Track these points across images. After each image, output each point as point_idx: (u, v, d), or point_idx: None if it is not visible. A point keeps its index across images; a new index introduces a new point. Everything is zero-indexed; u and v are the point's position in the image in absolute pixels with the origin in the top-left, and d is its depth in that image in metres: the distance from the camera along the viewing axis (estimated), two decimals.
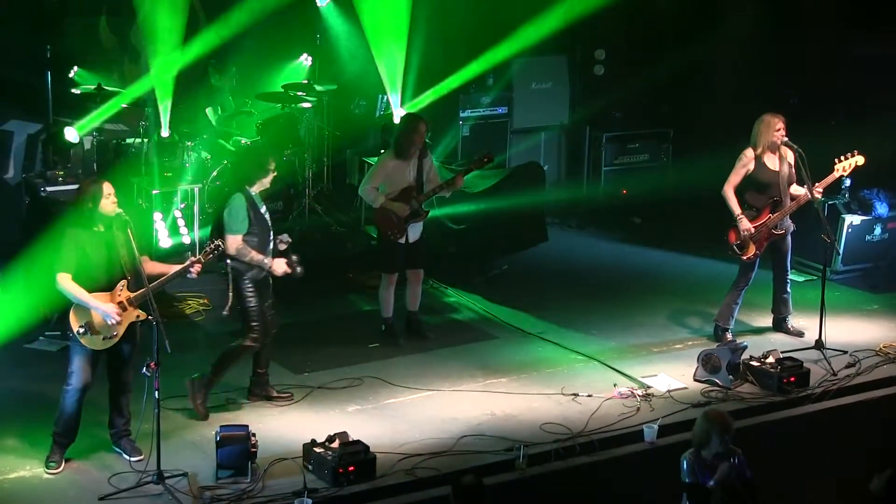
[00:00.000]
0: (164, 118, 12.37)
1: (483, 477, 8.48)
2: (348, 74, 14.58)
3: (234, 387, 9.74)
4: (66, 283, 8.21)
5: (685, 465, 7.89)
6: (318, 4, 14.15)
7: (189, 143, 12.51)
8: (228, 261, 9.21)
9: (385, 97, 14.16)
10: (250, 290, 9.26)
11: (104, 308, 8.25)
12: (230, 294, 9.27)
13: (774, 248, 10.86)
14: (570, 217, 14.62)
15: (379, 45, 13.58)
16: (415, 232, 10.56)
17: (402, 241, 10.51)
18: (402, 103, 13.70)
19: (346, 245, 13.08)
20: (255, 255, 9.18)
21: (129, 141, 12.77)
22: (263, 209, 9.31)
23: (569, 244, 13.88)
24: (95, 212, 8.27)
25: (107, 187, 8.33)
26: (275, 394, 9.63)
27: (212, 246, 8.72)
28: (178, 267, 8.63)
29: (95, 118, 12.21)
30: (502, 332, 11.23)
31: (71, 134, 12.10)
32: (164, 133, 12.41)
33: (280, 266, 9.30)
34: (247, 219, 9.14)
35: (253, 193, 9.22)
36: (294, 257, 9.42)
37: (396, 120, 13.37)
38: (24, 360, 10.21)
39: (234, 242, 9.12)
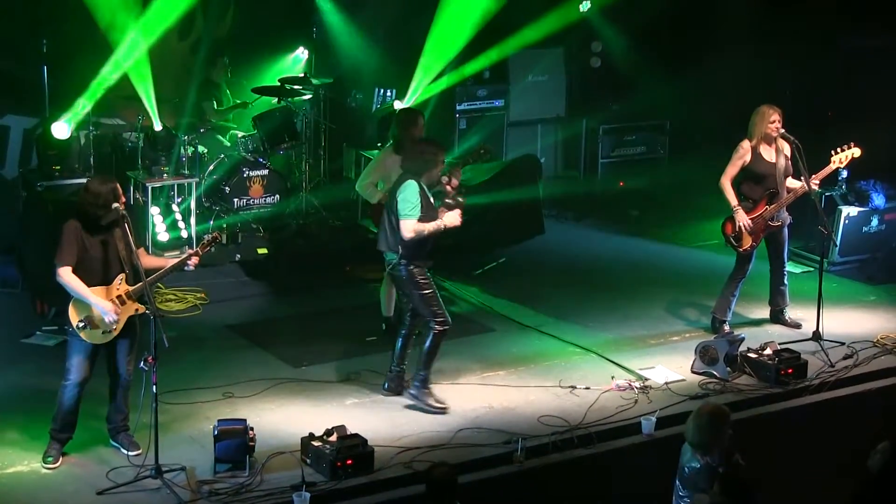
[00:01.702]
0: (153, 111, 12.32)
1: (481, 470, 8.56)
2: (345, 67, 14.59)
3: (232, 380, 9.75)
4: (67, 277, 8.19)
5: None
6: None
7: (186, 137, 12.49)
8: (398, 255, 9.15)
9: (382, 90, 14.15)
10: (423, 277, 9.24)
11: (102, 305, 8.23)
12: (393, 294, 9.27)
13: (771, 239, 10.87)
14: (567, 209, 14.61)
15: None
16: None
17: None
18: (401, 97, 13.68)
19: (343, 238, 13.08)
20: (429, 225, 9.11)
21: (125, 135, 12.78)
22: (431, 198, 9.28)
23: (566, 236, 13.88)
24: (106, 212, 8.25)
25: (118, 189, 8.32)
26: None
27: (209, 238, 8.69)
28: (175, 260, 8.61)
29: (78, 113, 12.10)
30: (499, 324, 11.23)
31: (60, 129, 11.96)
32: (157, 126, 12.38)
33: (452, 217, 9.19)
34: (419, 204, 9.08)
35: (423, 182, 9.19)
36: (450, 201, 9.24)
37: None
38: (20, 355, 10.21)
39: (410, 226, 9.05)
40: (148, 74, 12.22)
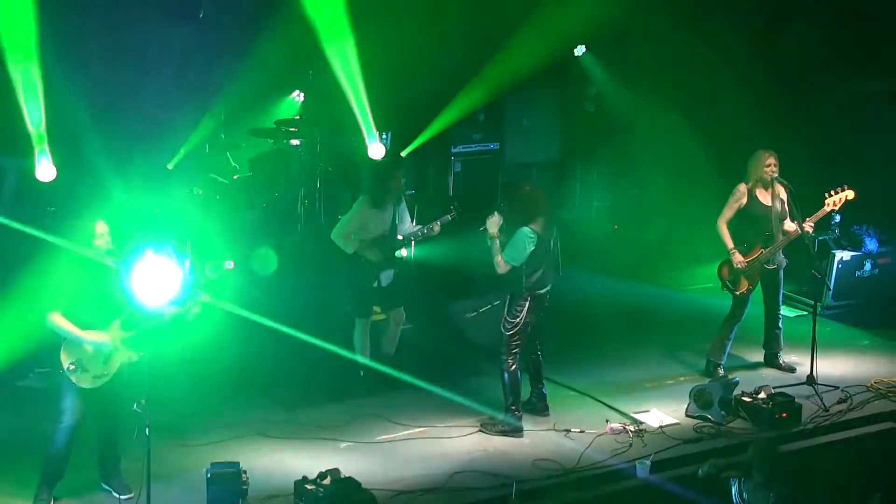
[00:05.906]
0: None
1: None
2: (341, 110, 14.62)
3: (223, 423, 9.71)
4: (58, 321, 8.17)
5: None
6: None
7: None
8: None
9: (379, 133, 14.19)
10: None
11: (97, 338, 8.21)
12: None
13: (766, 283, 10.89)
14: (561, 252, 14.57)
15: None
16: (386, 276, 10.50)
17: (375, 284, 10.45)
18: (394, 141, 13.71)
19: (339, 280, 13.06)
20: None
21: None
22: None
23: (560, 280, 13.84)
24: (89, 252, 8.24)
25: (100, 226, 8.29)
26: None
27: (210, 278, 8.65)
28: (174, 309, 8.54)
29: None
30: (494, 367, 11.18)
31: (46, 171, 11.67)
32: (169, 166, 12.43)
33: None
34: (523, 254, 9.59)
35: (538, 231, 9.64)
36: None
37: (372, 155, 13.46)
38: (14, 397, 10.17)
39: (501, 266, 9.65)
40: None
